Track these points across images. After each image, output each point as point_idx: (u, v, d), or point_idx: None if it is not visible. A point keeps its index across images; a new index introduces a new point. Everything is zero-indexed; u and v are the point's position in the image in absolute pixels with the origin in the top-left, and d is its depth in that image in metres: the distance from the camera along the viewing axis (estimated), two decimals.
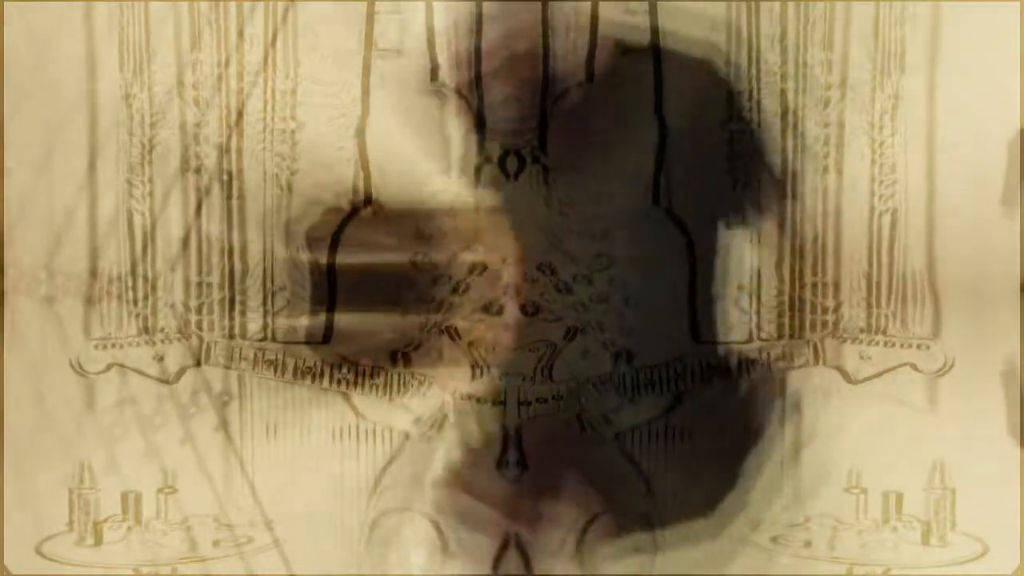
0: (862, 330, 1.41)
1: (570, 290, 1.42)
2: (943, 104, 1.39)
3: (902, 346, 1.41)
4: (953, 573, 1.40)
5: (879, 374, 1.41)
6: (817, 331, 1.43)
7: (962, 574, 1.40)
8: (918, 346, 1.40)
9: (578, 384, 1.42)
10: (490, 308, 1.42)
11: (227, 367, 1.44)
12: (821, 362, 1.42)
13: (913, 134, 1.40)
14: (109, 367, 1.43)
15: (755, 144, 1.42)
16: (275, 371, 1.44)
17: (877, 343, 1.41)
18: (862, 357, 1.41)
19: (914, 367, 1.40)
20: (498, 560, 1.41)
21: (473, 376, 1.43)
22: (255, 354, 1.43)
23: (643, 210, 1.42)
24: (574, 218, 1.42)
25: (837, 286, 1.42)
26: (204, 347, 1.44)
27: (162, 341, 1.43)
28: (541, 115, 1.40)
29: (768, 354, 1.42)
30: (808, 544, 1.43)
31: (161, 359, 1.43)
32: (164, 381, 1.43)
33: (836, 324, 1.42)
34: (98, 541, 1.43)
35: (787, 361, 1.42)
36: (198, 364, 1.44)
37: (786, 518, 1.44)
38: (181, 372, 1.44)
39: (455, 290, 1.42)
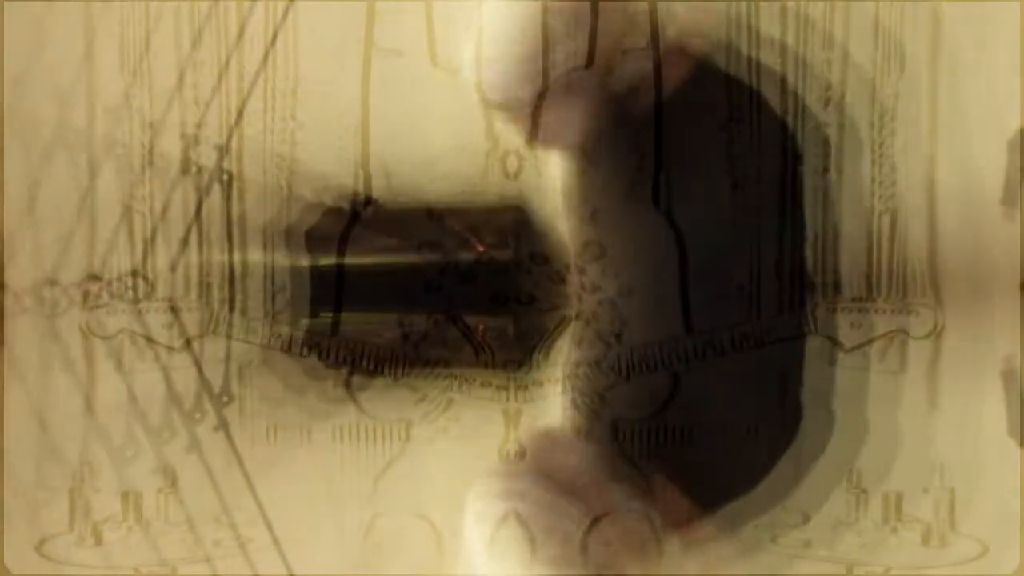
0: (854, 299, 1.42)
1: (563, 279, 1.43)
2: (943, 104, 1.39)
3: (893, 312, 1.41)
4: (953, 573, 1.40)
5: (870, 341, 1.41)
6: (816, 332, 1.43)
7: (962, 574, 1.40)
8: (908, 312, 1.40)
9: (573, 366, 1.43)
10: (495, 298, 1.43)
11: (237, 339, 1.44)
12: (814, 330, 1.42)
13: (913, 134, 1.40)
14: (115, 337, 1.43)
15: (755, 144, 1.42)
16: (283, 345, 1.44)
17: (867, 310, 1.41)
18: (853, 325, 1.41)
19: (905, 332, 1.40)
20: (496, 532, 1.42)
21: (476, 362, 1.43)
22: (263, 328, 1.44)
23: (637, 203, 1.42)
24: (569, 208, 1.42)
25: (837, 286, 1.42)
26: (212, 319, 1.44)
27: (171, 309, 1.44)
28: (538, 110, 1.40)
29: (761, 328, 1.42)
30: (808, 544, 1.43)
31: (172, 326, 1.44)
32: (171, 348, 1.43)
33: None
34: (98, 541, 1.44)
35: (779, 332, 1.42)
36: (206, 334, 1.44)
37: (786, 518, 1.44)
38: (190, 341, 1.44)
39: (458, 282, 1.43)
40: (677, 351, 1.42)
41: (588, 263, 1.43)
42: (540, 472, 1.43)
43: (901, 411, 1.42)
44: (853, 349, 1.41)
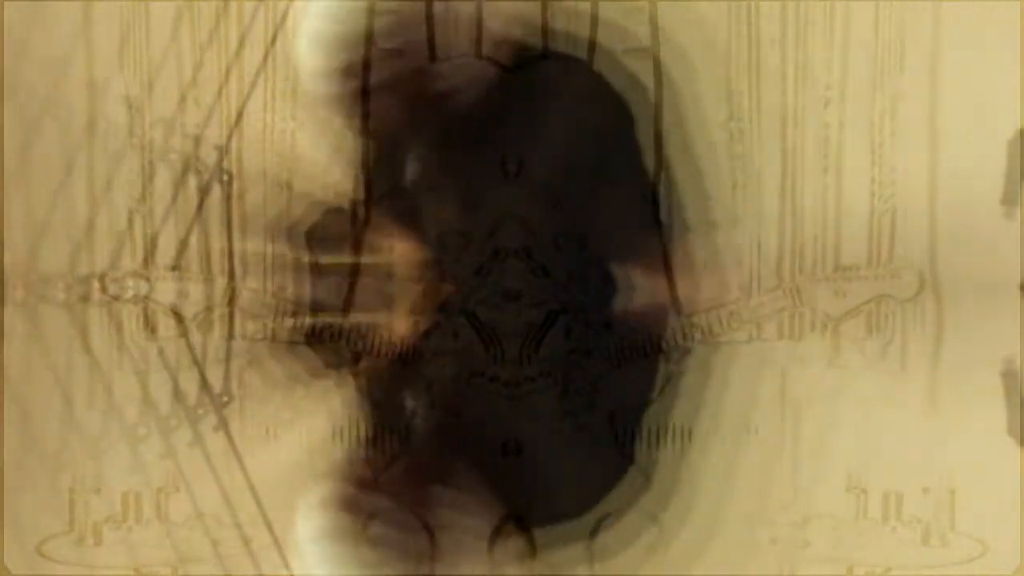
0: (836, 269, 1.42)
1: (547, 272, 1.43)
2: (943, 104, 1.39)
3: (876, 279, 1.41)
4: (953, 573, 1.40)
5: (857, 307, 1.41)
6: (816, 331, 1.43)
7: (962, 574, 1.40)
8: (891, 276, 1.40)
9: (563, 357, 1.43)
10: (505, 295, 1.43)
11: (239, 335, 1.44)
12: (799, 302, 1.42)
13: (913, 134, 1.40)
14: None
15: (755, 144, 1.42)
16: (288, 336, 1.44)
17: (849, 279, 1.41)
18: (836, 294, 1.41)
19: (890, 296, 1.40)
20: (496, 535, 1.42)
21: (485, 355, 1.44)
22: (277, 305, 1.44)
23: (618, 192, 1.43)
24: (550, 200, 1.43)
25: None
26: (229, 293, 1.44)
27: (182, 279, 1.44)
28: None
29: (750, 307, 1.42)
30: (808, 544, 1.43)
31: (185, 296, 1.44)
32: (181, 320, 1.43)
33: (835, 325, 1.43)
34: (98, 541, 1.44)
35: (767, 308, 1.42)
36: (207, 330, 1.44)
37: (786, 518, 1.44)
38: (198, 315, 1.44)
39: (469, 275, 1.43)
40: (668, 336, 1.42)
41: (571, 254, 1.43)
42: (539, 467, 1.44)
43: (901, 411, 1.42)
44: (842, 317, 1.41)
